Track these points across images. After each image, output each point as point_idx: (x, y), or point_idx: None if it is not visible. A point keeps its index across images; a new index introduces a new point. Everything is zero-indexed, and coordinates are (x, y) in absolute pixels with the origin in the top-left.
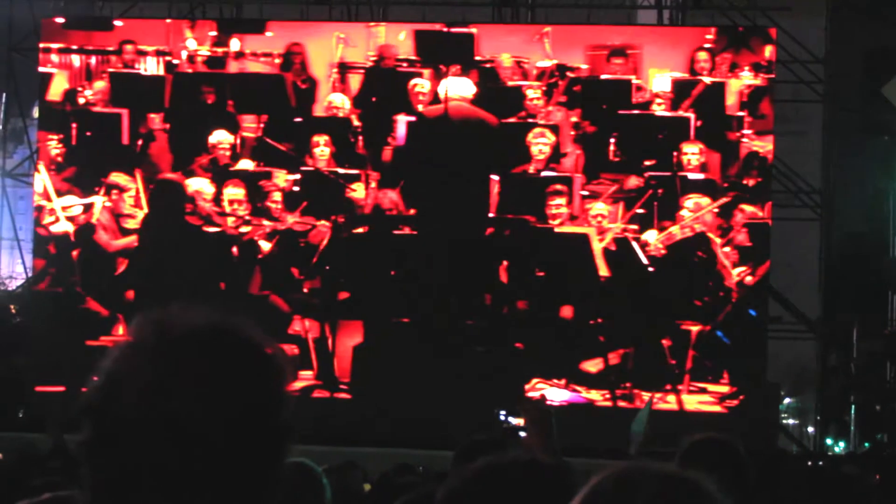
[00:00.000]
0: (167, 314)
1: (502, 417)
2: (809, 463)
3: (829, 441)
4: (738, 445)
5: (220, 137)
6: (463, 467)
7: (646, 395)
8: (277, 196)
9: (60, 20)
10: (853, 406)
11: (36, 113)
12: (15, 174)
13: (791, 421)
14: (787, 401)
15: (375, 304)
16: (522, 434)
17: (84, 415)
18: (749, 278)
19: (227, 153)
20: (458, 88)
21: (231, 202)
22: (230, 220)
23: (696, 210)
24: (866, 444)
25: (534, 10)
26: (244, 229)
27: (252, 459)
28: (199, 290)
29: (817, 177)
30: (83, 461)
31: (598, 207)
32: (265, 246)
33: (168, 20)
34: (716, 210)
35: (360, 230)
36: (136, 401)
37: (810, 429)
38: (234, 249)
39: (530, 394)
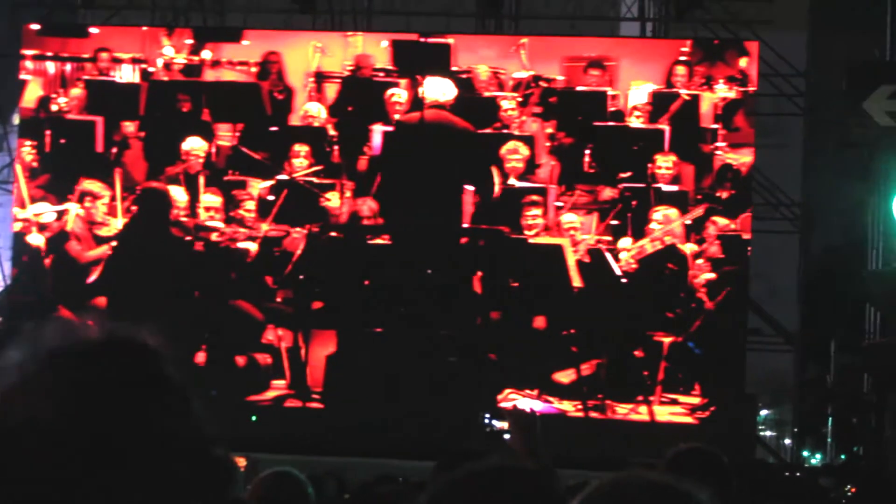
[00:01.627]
0: (58, 327)
1: (486, 421)
2: (787, 474)
3: (805, 453)
4: (722, 456)
5: (193, 144)
6: (444, 475)
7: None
8: (251, 205)
9: (36, 27)
10: (829, 418)
11: (16, 120)
12: None
13: (768, 433)
14: (764, 412)
15: (349, 314)
16: (507, 437)
17: None
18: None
19: (201, 161)
20: (440, 90)
21: (207, 209)
22: (214, 234)
23: (665, 223)
24: (843, 457)
25: (517, 22)
26: (217, 238)
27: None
28: (172, 297)
29: (797, 190)
30: None
31: (571, 219)
32: (242, 254)
33: (144, 28)
34: (688, 222)
35: (335, 238)
36: (24, 423)
37: (787, 441)
38: (206, 256)
39: (503, 404)
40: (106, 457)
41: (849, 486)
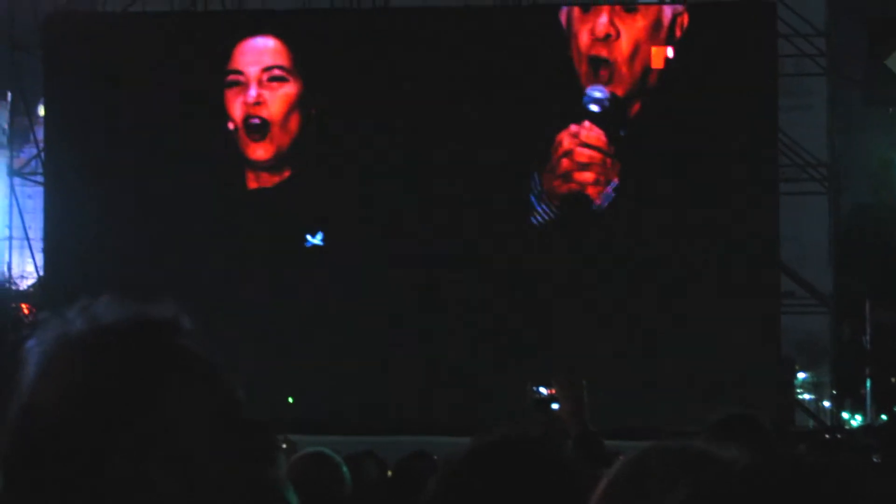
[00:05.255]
0: (85, 313)
1: (534, 389)
2: (827, 437)
3: (845, 415)
4: (764, 420)
5: None
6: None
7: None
8: None
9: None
10: (868, 379)
11: (42, 111)
12: (22, 173)
13: (807, 396)
14: (801, 375)
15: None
16: (555, 406)
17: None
18: None
19: None
20: None
21: None
22: None
23: None
24: (883, 417)
25: None
26: None
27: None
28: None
29: (823, 150)
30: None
31: None
32: None
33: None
34: None
35: None
36: (53, 407)
37: (826, 403)
38: None
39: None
40: (126, 439)
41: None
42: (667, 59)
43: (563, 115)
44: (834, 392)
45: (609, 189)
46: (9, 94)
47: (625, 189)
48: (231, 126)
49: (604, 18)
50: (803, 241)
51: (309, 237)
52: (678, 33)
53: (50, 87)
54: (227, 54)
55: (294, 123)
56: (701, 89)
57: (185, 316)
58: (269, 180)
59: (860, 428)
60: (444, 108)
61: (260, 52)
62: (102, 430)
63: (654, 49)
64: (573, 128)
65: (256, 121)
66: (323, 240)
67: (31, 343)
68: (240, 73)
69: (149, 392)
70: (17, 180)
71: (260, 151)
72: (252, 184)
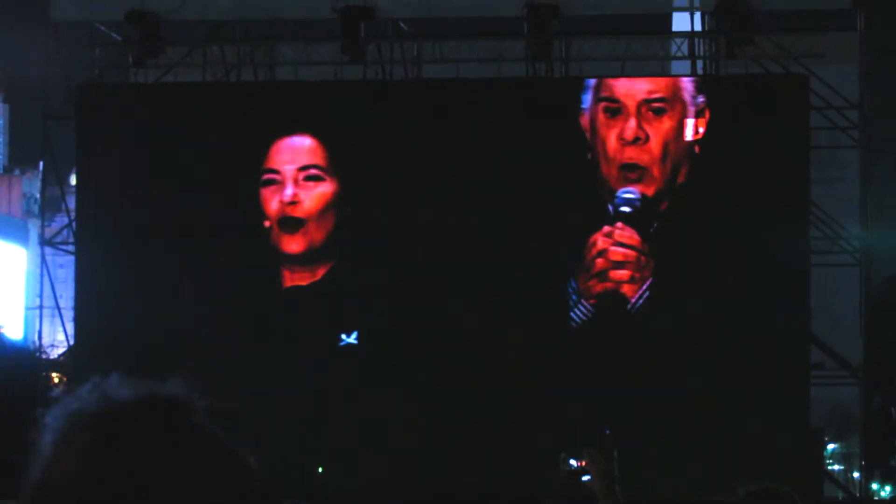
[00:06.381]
0: (97, 390)
1: (566, 460)
2: None
3: (874, 486)
4: (794, 495)
5: None
6: None
7: None
8: None
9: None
10: None
11: (73, 180)
12: (54, 242)
13: (836, 467)
14: (831, 446)
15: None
16: (586, 478)
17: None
18: None
19: None
20: None
21: None
22: None
23: None
24: None
25: (568, 65)
26: None
27: None
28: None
29: (855, 222)
30: None
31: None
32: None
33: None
34: None
35: None
36: (65, 488)
37: (856, 474)
38: None
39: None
40: None
41: None
42: (696, 140)
43: (595, 218)
44: (863, 463)
45: (644, 287)
46: (41, 164)
47: (660, 283)
48: (267, 224)
49: (632, 123)
50: (834, 313)
51: (344, 336)
52: (701, 132)
53: (82, 156)
54: (264, 152)
55: (329, 220)
56: (733, 162)
57: (196, 394)
58: (303, 278)
59: (891, 500)
60: (475, 214)
61: (296, 151)
62: None
63: (682, 122)
64: (606, 228)
65: (292, 217)
66: (357, 339)
67: (47, 419)
68: (276, 171)
69: (165, 469)
70: (48, 249)
71: (294, 245)
72: (288, 282)
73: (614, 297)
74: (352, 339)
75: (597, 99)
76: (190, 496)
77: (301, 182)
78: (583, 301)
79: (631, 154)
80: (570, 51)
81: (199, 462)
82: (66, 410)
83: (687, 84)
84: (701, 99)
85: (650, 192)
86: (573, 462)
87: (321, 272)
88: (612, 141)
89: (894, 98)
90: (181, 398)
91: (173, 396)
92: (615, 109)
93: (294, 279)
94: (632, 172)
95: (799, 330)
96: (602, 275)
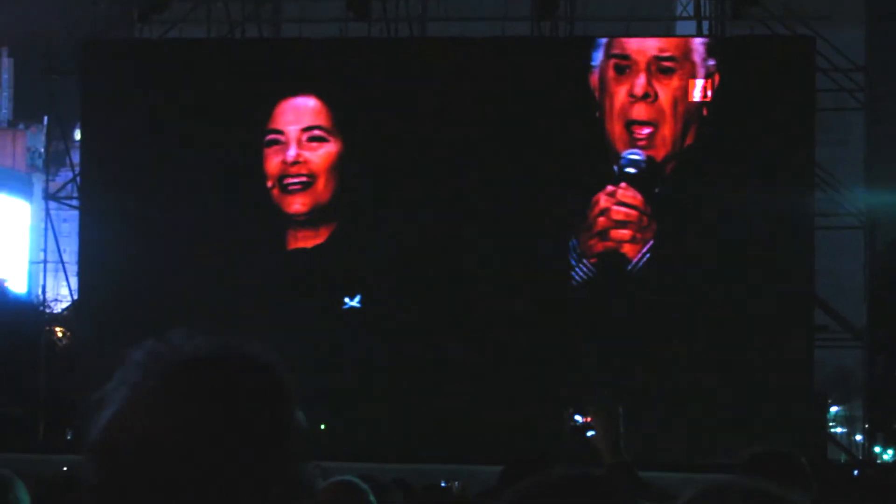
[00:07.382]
0: (168, 342)
1: (571, 416)
2: (856, 472)
3: (877, 449)
4: (801, 457)
5: None
6: (510, 487)
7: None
8: None
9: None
10: None
11: (78, 135)
12: (58, 197)
13: (839, 429)
14: (834, 409)
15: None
16: (590, 433)
17: (90, 457)
18: None
19: None
20: None
21: None
22: None
23: None
24: None
25: (572, 24)
26: None
27: (263, 486)
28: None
29: (860, 184)
30: None
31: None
32: None
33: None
34: None
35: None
36: (144, 438)
37: (858, 437)
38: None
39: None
40: (224, 469)
41: None
42: (704, 102)
43: (600, 179)
44: (866, 426)
45: (645, 248)
46: (45, 119)
47: (661, 245)
48: (269, 184)
49: (642, 79)
50: (838, 275)
51: (347, 299)
52: (710, 95)
53: (86, 111)
54: (268, 113)
55: (333, 181)
56: (738, 124)
57: (268, 350)
58: (308, 240)
59: (894, 463)
60: (480, 173)
61: (300, 112)
62: (232, 460)
63: (689, 82)
64: (609, 188)
65: (294, 179)
66: (360, 302)
67: (132, 361)
68: (280, 132)
69: (275, 420)
70: (52, 204)
71: (297, 205)
72: (292, 244)
73: (615, 257)
74: (355, 302)
75: (608, 56)
76: (273, 450)
77: (304, 143)
78: (584, 260)
79: (640, 111)
80: (576, 9)
81: (283, 420)
82: (144, 364)
83: (698, 46)
84: (711, 62)
85: (659, 156)
86: (578, 418)
87: (325, 233)
88: (620, 97)
89: None
90: (265, 359)
91: (257, 356)
92: (625, 67)
93: (298, 241)
94: (641, 130)
95: (803, 292)
96: (603, 234)
